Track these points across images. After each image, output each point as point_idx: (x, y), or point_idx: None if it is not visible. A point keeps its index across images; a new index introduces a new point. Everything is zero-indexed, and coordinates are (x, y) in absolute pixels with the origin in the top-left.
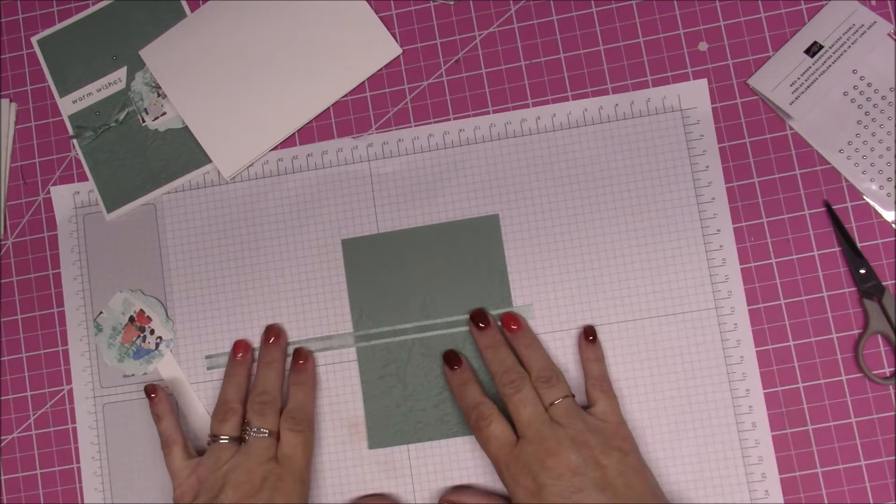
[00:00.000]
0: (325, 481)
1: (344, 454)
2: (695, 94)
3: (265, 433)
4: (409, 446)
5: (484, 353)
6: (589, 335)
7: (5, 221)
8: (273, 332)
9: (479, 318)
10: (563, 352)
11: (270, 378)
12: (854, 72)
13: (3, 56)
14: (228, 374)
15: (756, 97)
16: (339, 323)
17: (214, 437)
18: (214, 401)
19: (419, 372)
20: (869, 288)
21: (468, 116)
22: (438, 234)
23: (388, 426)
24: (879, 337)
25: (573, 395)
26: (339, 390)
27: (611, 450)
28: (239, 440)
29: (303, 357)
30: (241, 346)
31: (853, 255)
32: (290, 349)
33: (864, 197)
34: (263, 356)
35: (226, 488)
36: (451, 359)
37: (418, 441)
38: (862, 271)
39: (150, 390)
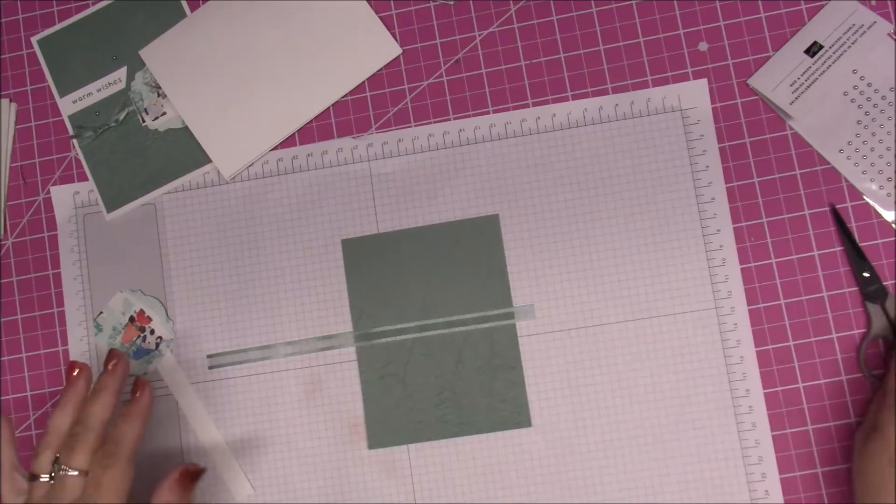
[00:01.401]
0: (324, 481)
1: (344, 454)
2: (695, 94)
3: (73, 473)
4: (409, 446)
5: None
6: None
7: (5, 221)
8: (112, 359)
9: None
10: (563, 352)
11: (92, 409)
12: (854, 72)
13: (3, 56)
14: (58, 401)
15: (756, 97)
16: (339, 323)
17: (32, 476)
18: (214, 401)
19: (419, 372)
20: (872, 291)
21: (468, 116)
22: (438, 234)
23: (387, 426)
24: (881, 341)
25: None
26: (339, 390)
27: None
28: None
29: (139, 388)
30: (75, 369)
31: (857, 258)
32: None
33: (864, 197)
34: (96, 383)
35: None
36: None
37: (418, 441)
38: (865, 275)
39: None
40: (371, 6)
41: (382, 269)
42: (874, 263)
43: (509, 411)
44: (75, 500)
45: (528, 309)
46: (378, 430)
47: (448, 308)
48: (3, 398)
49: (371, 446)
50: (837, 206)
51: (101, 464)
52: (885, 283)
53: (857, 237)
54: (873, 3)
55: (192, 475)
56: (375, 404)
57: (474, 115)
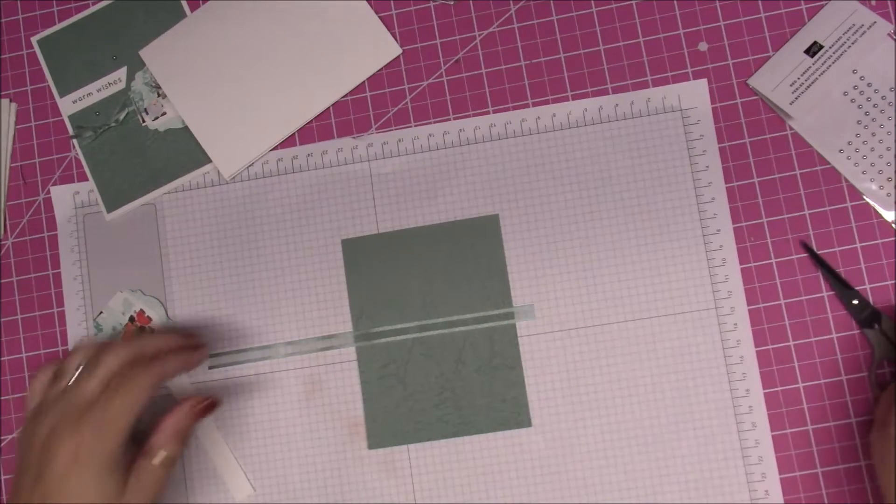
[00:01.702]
0: (324, 481)
1: (344, 454)
2: (695, 94)
3: (95, 381)
4: (409, 446)
5: None
6: None
7: (5, 221)
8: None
9: None
10: (564, 352)
11: (148, 337)
12: (854, 72)
13: (3, 56)
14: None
15: (756, 97)
16: (339, 323)
17: (56, 373)
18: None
19: (419, 372)
20: (865, 317)
21: (468, 116)
22: (438, 234)
23: (387, 426)
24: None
25: None
26: (339, 390)
27: None
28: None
29: (203, 345)
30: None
31: (842, 288)
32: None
33: (864, 197)
34: (170, 341)
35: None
36: None
37: (418, 441)
38: (854, 302)
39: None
40: (371, 6)
41: (382, 269)
42: (873, 264)
43: (509, 411)
44: (85, 406)
45: (528, 309)
46: (378, 430)
47: (448, 308)
48: (3, 398)
49: (371, 446)
50: (837, 206)
51: (126, 375)
52: (875, 306)
53: (856, 237)
54: (873, 3)
55: (210, 407)
56: (375, 404)
57: (474, 115)
